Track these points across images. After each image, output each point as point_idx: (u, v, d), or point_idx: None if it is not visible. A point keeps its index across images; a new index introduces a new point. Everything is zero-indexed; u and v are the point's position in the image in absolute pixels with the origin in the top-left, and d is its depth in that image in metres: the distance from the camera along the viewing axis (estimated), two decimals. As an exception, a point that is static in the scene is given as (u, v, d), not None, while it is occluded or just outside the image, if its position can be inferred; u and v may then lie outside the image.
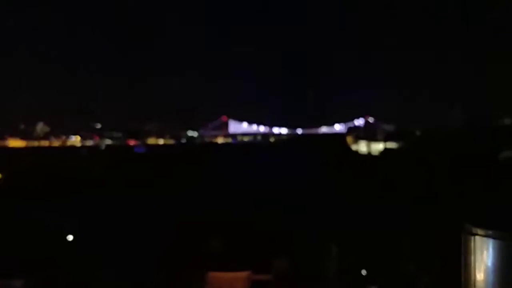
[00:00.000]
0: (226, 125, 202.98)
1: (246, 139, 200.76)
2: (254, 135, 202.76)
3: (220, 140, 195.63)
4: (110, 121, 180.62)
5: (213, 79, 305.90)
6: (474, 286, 3.03)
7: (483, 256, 2.96)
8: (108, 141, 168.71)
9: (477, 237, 2.99)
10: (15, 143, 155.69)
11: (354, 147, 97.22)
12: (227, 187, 29.60)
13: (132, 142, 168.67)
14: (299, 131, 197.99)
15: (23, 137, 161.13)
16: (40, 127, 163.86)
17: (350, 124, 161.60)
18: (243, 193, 25.08)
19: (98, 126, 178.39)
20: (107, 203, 24.81)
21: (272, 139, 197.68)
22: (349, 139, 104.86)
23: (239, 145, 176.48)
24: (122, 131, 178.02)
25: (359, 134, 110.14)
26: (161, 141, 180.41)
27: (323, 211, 19.26)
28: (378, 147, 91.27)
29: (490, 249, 2.93)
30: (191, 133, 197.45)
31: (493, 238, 2.91)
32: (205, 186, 30.84)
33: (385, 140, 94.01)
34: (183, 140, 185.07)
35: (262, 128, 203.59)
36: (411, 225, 14.42)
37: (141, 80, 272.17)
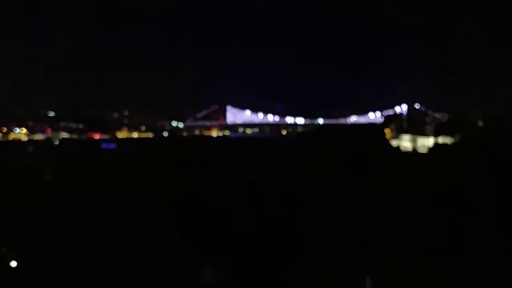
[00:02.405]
0: (222, 113, 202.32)
1: (249, 131, 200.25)
2: (261, 126, 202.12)
3: (214, 132, 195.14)
4: (66, 108, 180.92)
5: (205, 53, 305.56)
6: None
7: None
8: (65, 134, 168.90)
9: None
10: None
11: (394, 142, 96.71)
12: (224, 198, 29.45)
13: (97, 136, 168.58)
14: (321, 121, 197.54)
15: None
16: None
17: (389, 112, 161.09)
18: (246, 209, 24.89)
19: (51, 114, 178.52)
20: (66, 219, 24.60)
21: (284, 132, 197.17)
22: (388, 132, 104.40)
23: (240, 139, 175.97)
24: (84, 120, 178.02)
25: (401, 125, 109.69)
26: (135, 135, 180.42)
27: (355, 232, 19.08)
28: (427, 142, 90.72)
29: None
30: (176, 124, 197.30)
31: None
32: (194, 197, 30.69)
33: (436, 133, 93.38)
34: (165, 133, 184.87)
35: (271, 118, 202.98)
36: (477, 256, 14.35)
37: (108, 56, 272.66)
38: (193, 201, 28.00)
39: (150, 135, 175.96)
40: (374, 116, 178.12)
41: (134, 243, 18.57)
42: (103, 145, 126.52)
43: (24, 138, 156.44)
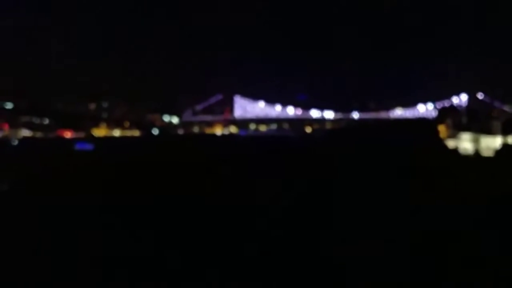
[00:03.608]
0: (229, 105, 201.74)
1: (264, 128, 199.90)
2: (278, 121, 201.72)
3: (218, 129, 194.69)
4: (28, 99, 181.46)
5: (206, 29, 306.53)
6: None
7: None
8: (26, 132, 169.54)
9: None
10: None
11: (451, 142, 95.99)
12: (232, 227, 29.09)
13: (68, 133, 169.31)
14: (356, 115, 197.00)
15: None
16: None
17: (444, 104, 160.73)
18: (259, 239, 24.55)
19: (8, 106, 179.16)
20: (25, 242, 24.52)
21: (309, 129, 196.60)
22: (442, 129, 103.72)
23: (251, 139, 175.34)
24: (51, 114, 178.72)
25: (459, 120, 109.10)
26: (116, 132, 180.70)
27: (403, 272, 18.71)
28: (493, 142, 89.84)
29: None
30: (169, 119, 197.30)
31: None
32: (194, 220, 30.35)
33: (505, 130, 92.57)
34: (155, 131, 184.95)
35: (292, 111, 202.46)
36: None
37: (83, 35, 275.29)
38: (192, 226, 27.63)
39: (136, 133, 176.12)
40: (425, 109, 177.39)
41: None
42: (77, 146, 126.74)
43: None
